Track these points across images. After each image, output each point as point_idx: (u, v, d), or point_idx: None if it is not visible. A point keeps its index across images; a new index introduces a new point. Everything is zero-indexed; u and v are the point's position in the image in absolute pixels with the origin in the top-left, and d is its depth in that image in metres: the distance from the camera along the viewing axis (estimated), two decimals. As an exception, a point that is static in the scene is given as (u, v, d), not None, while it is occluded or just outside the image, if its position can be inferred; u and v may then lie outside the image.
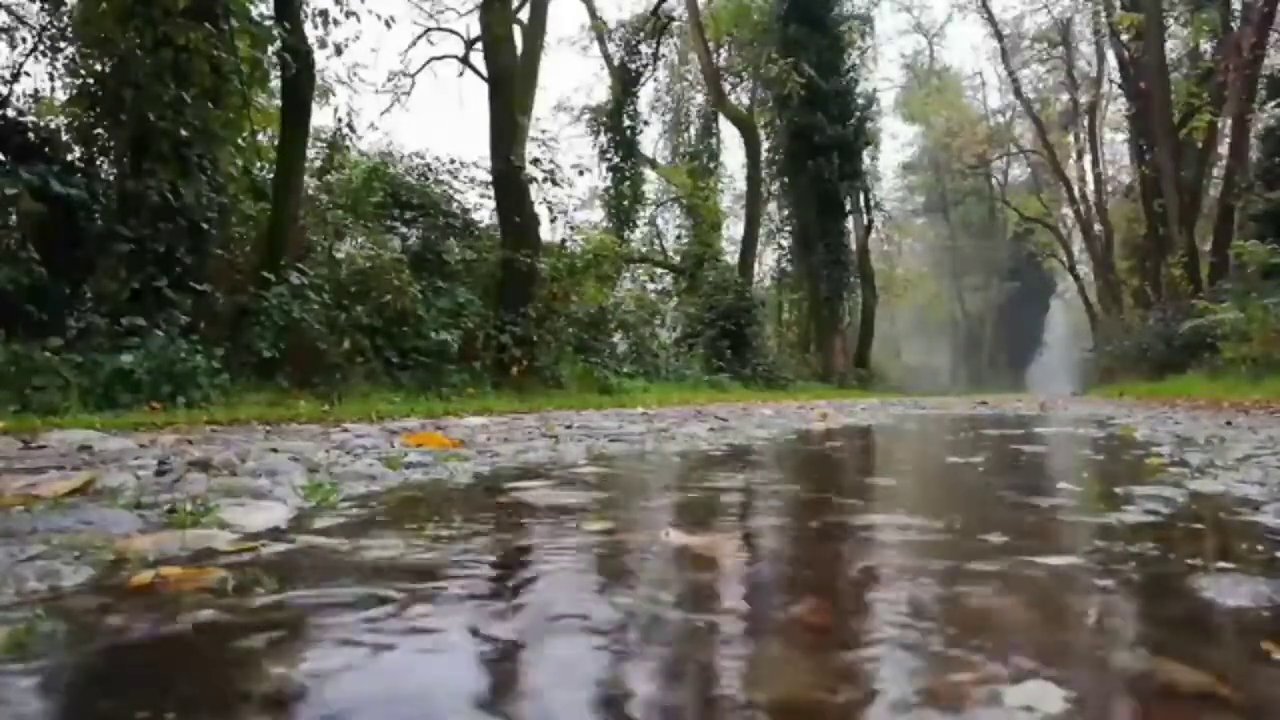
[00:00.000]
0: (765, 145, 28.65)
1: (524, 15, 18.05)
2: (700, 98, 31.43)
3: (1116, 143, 37.26)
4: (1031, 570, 1.35)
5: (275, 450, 3.38)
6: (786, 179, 29.14)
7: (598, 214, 27.96)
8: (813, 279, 28.27)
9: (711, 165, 31.03)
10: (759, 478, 3.09)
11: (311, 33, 10.45)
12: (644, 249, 29.20)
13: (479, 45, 19.22)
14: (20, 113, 9.12)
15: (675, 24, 29.50)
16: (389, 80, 24.75)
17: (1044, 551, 1.47)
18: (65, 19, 9.31)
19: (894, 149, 51.75)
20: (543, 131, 15.97)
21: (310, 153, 12.77)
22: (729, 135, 31.47)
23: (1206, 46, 24.70)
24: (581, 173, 16.88)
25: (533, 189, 14.03)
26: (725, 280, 23.16)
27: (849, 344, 30.66)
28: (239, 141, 10.41)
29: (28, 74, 9.31)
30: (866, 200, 32.72)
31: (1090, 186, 37.65)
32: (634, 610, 1.13)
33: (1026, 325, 55.50)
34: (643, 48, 29.29)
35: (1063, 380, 42.79)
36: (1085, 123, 36.84)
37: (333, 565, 1.42)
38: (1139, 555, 1.45)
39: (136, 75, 8.17)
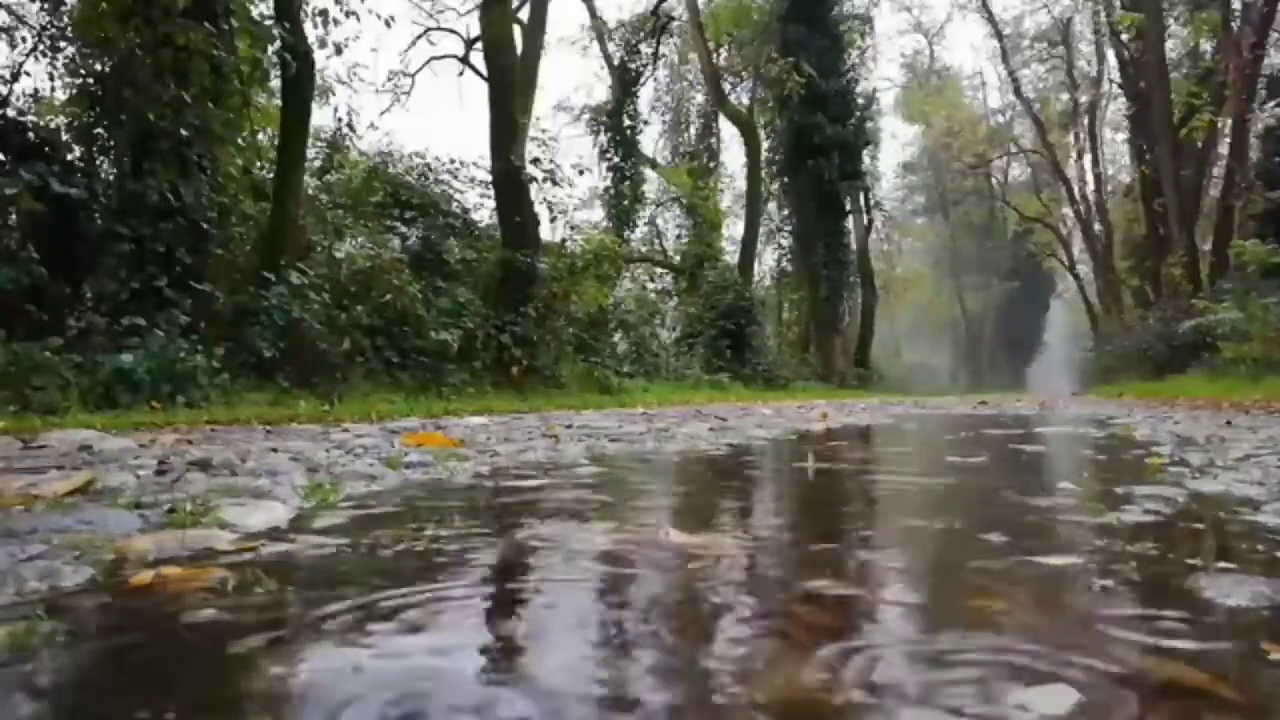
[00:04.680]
0: (765, 145, 28.64)
1: (524, 15, 18.06)
2: (700, 98, 31.46)
3: (1116, 143, 37.32)
4: (1032, 570, 1.35)
5: (275, 450, 3.38)
6: (786, 179, 29.14)
7: (598, 214, 27.98)
8: (813, 279, 28.26)
9: (711, 165, 31.04)
10: (758, 478, 3.10)
11: (311, 33, 10.47)
12: (644, 249, 29.19)
13: (479, 45, 19.21)
14: (20, 113, 9.12)
15: (675, 24, 29.50)
16: (389, 80, 24.75)
17: (1044, 551, 1.47)
18: (65, 19, 9.30)
19: (894, 149, 51.82)
20: (543, 131, 15.99)
21: (310, 153, 12.79)
22: (729, 135, 31.53)
23: (1206, 46, 24.68)
24: (581, 173, 16.92)
25: (533, 189, 14.04)
26: (725, 280, 23.15)
27: (849, 344, 30.66)
28: (239, 141, 10.41)
29: (28, 74, 9.33)
30: (866, 200, 32.73)
31: (1090, 186, 37.69)
32: (634, 609, 1.13)
33: (1026, 325, 55.43)
34: (643, 48, 29.29)
35: (1063, 380, 42.76)
36: (1085, 123, 36.84)
37: (333, 565, 1.42)
38: (1139, 555, 1.45)
39: (136, 75, 8.17)
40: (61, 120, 9.23)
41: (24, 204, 7.47)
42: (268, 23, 10.08)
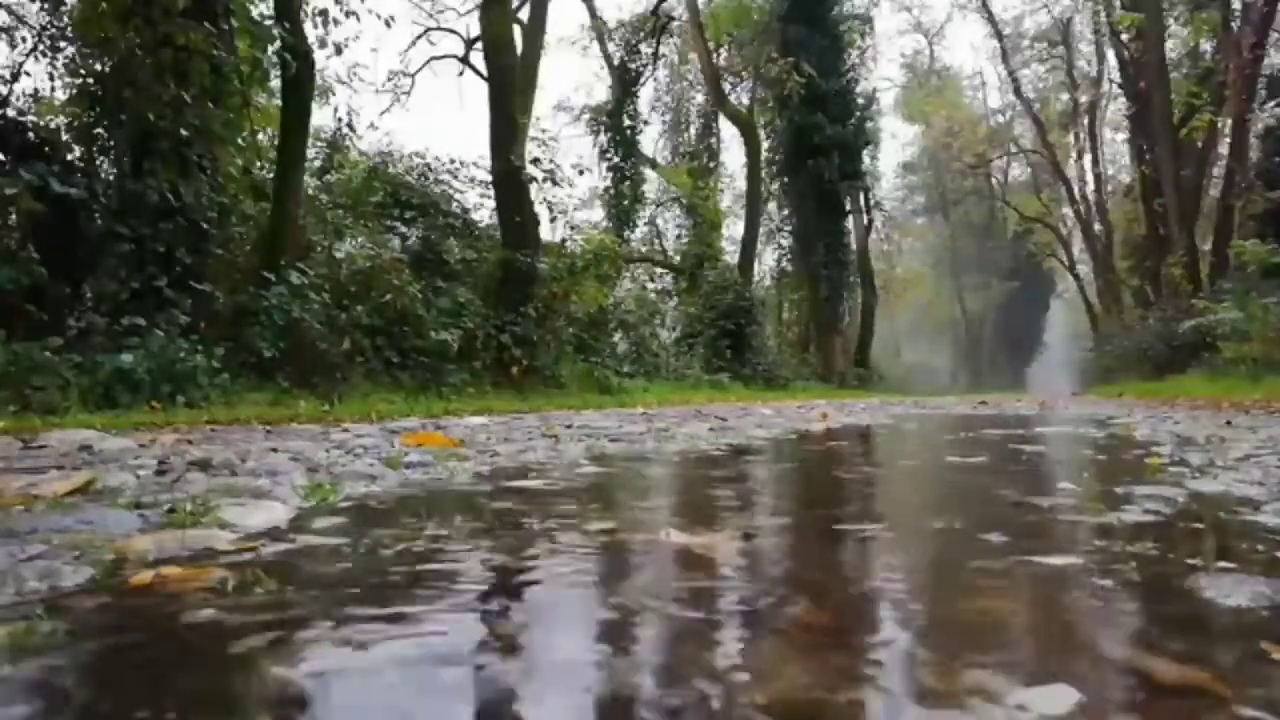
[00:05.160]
0: (765, 145, 28.65)
1: (524, 15, 18.06)
2: (700, 98, 31.46)
3: (1116, 143, 37.31)
4: (1032, 570, 1.35)
5: (275, 450, 3.38)
6: (786, 179, 29.14)
7: (598, 214, 27.98)
8: (813, 279, 28.26)
9: (711, 165, 31.04)
10: (758, 477, 3.09)
11: (311, 33, 10.47)
12: (644, 249, 29.19)
13: (479, 45, 19.21)
14: (20, 113, 9.12)
15: (675, 24, 29.50)
16: (389, 80, 24.76)
17: (1044, 551, 1.47)
18: (65, 19, 9.30)
19: (894, 149, 51.83)
20: (543, 131, 15.98)
21: (310, 153, 12.79)
22: (729, 135, 31.54)
23: (1206, 46, 24.69)
24: (581, 173, 16.91)
25: (533, 189, 14.04)
26: (725, 280, 23.15)
27: (849, 344, 30.66)
28: (239, 141, 10.41)
29: (28, 74, 9.33)
30: (866, 200, 32.73)
31: (1090, 186, 37.68)
32: (634, 610, 1.13)
33: (1026, 325, 55.42)
34: (643, 48, 29.29)
35: (1063, 380, 42.75)
36: (1085, 123, 36.84)
37: (333, 565, 1.42)
38: (1139, 555, 1.45)
39: (136, 75, 8.17)
40: (61, 120, 9.22)
41: (24, 204, 7.47)
42: (268, 23, 10.08)
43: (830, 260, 28.33)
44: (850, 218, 31.09)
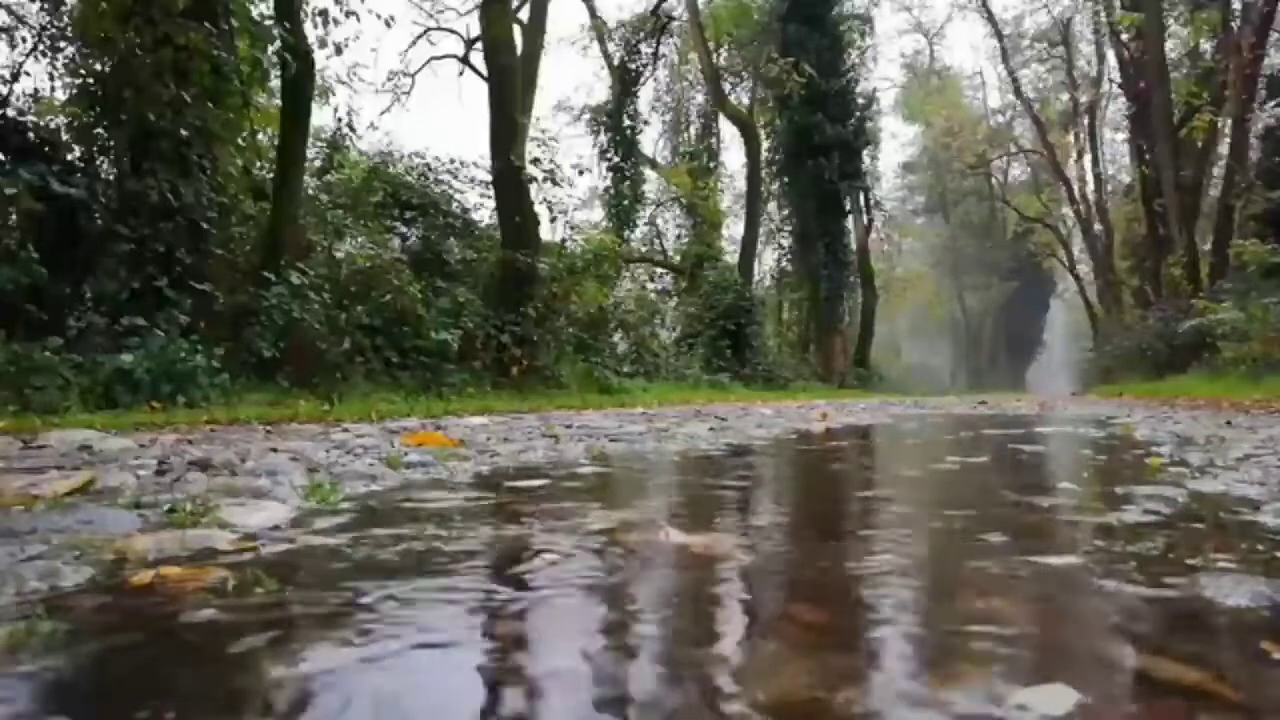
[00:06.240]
0: (765, 145, 28.63)
1: (524, 15, 18.05)
2: (700, 98, 31.44)
3: (1116, 143, 37.28)
4: (1032, 570, 1.35)
5: (275, 450, 3.38)
6: (786, 179, 29.13)
7: (598, 214, 27.97)
8: (813, 279, 28.26)
9: (711, 165, 31.01)
10: (758, 477, 3.09)
11: (311, 33, 10.45)
12: (644, 249, 29.17)
13: (479, 45, 19.21)
14: (20, 113, 9.10)
15: (675, 24, 29.49)
16: (389, 80, 24.74)
17: (1044, 551, 1.47)
18: (65, 19, 9.29)
19: (894, 149, 51.86)
20: (543, 131, 15.94)
21: (310, 153, 12.77)
22: (729, 135, 31.52)
23: (1206, 46, 24.68)
24: (581, 173, 16.86)
25: (533, 189, 14.02)
26: (725, 280, 23.14)
27: (849, 344, 30.64)
28: (239, 141, 10.40)
29: (28, 74, 9.30)
30: (866, 200, 32.70)
31: (1090, 186, 37.64)
32: (633, 611, 1.13)
33: (1026, 325, 55.42)
34: (643, 48, 29.27)
35: (1063, 380, 42.74)
36: (1085, 123, 36.80)
37: (333, 565, 1.42)
38: (1139, 555, 1.45)
39: (136, 75, 8.17)
40: (61, 120, 9.21)
41: (24, 204, 7.46)
42: (268, 23, 10.06)
43: (830, 260, 28.33)
44: (850, 218, 31.07)
